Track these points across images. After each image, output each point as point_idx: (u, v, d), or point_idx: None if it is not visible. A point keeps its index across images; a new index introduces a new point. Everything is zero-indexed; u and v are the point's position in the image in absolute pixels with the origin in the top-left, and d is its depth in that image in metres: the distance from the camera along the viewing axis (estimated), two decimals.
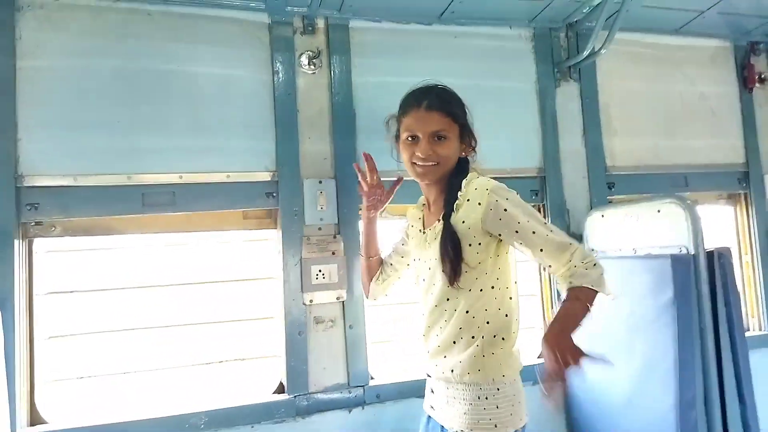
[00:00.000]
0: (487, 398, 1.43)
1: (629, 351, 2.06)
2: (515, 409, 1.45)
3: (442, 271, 1.47)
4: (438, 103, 1.51)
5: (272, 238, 2.14)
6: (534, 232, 1.43)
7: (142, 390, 1.96)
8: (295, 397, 2.03)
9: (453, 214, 1.48)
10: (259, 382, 2.09)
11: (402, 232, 1.82)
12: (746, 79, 2.86)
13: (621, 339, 2.09)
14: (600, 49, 2.39)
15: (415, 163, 1.52)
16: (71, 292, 1.93)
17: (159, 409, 1.90)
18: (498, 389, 1.44)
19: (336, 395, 2.08)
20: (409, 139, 1.53)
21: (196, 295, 2.08)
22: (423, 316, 1.57)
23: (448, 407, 1.49)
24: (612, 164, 2.60)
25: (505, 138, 2.43)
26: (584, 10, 2.43)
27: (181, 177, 1.99)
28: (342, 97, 2.20)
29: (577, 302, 1.38)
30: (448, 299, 1.50)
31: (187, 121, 2.02)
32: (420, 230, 1.64)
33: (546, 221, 1.48)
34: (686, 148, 2.74)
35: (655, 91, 2.72)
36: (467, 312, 1.46)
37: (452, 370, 1.47)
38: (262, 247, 2.17)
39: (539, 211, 2.50)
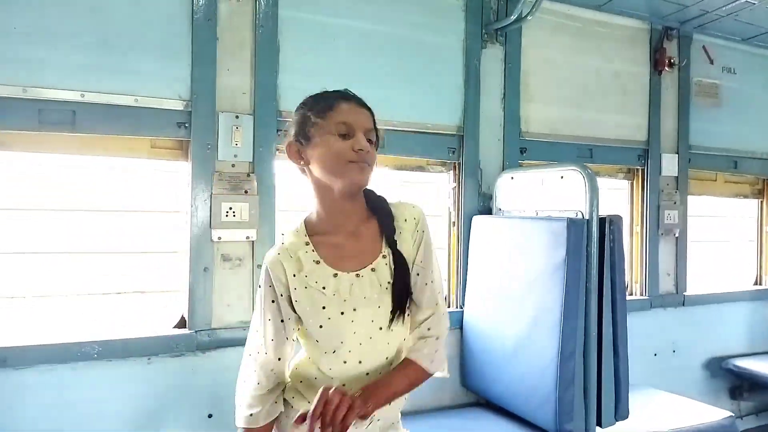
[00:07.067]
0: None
1: (521, 305, 2.20)
2: None
3: (396, 309, 1.36)
4: (365, 103, 1.37)
5: (182, 170, 2.07)
6: (433, 282, 1.41)
7: (31, 316, 1.86)
8: (196, 332, 2.01)
9: (397, 242, 1.37)
10: (159, 315, 2.06)
11: (272, 306, 1.36)
12: (657, 61, 3.03)
13: (516, 293, 2.23)
14: (527, 15, 2.44)
15: (353, 162, 1.28)
16: None
17: (48, 336, 1.83)
18: None
19: (240, 333, 2.07)
20: (343, 133, 1.30)
21: (96, 222, 1.99)
22: (355, 366, 1.37)
23: None
24: (526, 130, 2.70)
25: (428, 93, 2.46)
26: None
27: (83, 95, 1.86)
28: (267, 30, 2.12)
29: (406, 380, 1.38)
30: (388, 342, 1.40)
31: (93, 36, 1.88)
32: (335, 275, 1.34)
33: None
34: (595, 122, 2.89)
35: (574, 63, 2.84)
36: (397, 350, 1.44)
37: (400, 412, 1.49)
38: (170, 179, 2.09)
39: (454, 170, 2.58)
